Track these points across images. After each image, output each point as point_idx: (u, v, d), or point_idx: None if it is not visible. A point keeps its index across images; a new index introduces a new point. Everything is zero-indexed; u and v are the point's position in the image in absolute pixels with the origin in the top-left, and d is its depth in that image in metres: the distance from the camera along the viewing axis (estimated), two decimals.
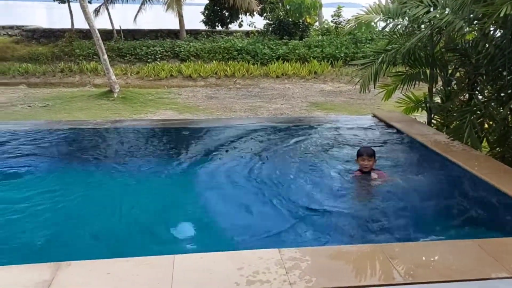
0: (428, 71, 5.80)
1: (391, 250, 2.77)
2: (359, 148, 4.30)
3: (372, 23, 6.47)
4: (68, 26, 18.45)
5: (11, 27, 19.75)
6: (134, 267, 2.54)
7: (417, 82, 6.01)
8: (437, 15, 4.99)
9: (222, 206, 3.72)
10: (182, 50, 16.36)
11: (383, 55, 5.42)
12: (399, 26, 5.73)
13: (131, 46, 16.47)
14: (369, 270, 2.62)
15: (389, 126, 5.85)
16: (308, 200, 3.65)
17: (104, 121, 6.37)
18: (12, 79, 14.45)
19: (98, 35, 11.75)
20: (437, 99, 6.04)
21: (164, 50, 16.35)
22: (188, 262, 2.59)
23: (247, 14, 19.23)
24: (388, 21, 5.82)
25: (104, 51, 11.90)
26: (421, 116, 6.90)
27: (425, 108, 6.21)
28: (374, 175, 3.93)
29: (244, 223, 3.37)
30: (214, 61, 15.63)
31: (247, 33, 19.03)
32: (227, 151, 4.93)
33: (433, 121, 6.05)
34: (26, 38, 18.29)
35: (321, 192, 3.84)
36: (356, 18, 6.07)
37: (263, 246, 2.95)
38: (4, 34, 19.28)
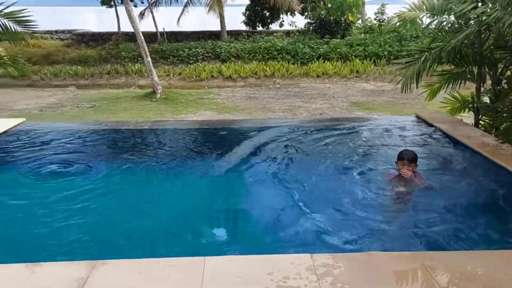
0: (475, 70, 5.51)
1: (431, 259, 2.64)
2: (400, 150, 4.13)
3: (418, 20, 6.22)
4: (116, 29, 19.14)
5: (63, 32, 20.78)
6: (166, 267, 2.57)
7: (464, 81, 5.72)
8: (487, 10, 4.72)
9: (255, 207, 3.69)
10: (223, 51, 16.54)
11: (426, 53, 5.20)
12: (444, 23, 5.48)
13: (173, 48, 16.85)
14: (406, 280, 2.51)
15: (433, 127, 5.61)
16: (343, 203, 3.55)
17: (144, 122, 6.54)
18: (63, 81, 15.18)
19: (142, 37, 12.10)
20: (486, 99, 5.73)
21: (205, 51, 16.59)
22: (218, 265, 2.59)
23: (288, 13, 19.13)
24: (433, 18, 5.58)
25: (148, 53, 12.24)
26: (469, 116, 6.57)
27: (472, 109, 5.91)
28: (408, 172, 3.72)
29: (276, 226, 3.33)
30: (254, 61, 15.69)
31: (287, 33, 18.95)
32: (260, 151, 4.89)
33: (481, 122, 5.75)
34: (76, 41, 19.16)
35: (356, 195, 3.71)
36: (398, 15, 5.87)
37: (295, 251, 2.91)
38: (56, 38, 20.31)
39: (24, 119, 5.97)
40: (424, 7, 5.62)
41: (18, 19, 5.35)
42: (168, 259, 2.67)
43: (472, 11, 4.85)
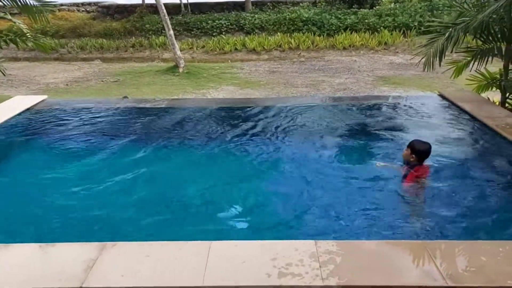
0: (504, 46, 5.23)
1: (436, 248, 2.61)
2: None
3: None
4: (140, 1, 19.07)
5: (89, 4, 20.84)
6: (172, 251, 2.64)
7: (491, 58, 5.44)
8: None
9: (264, 190, 3.72)
10: (247, 22, 16.27)
11: (450, 29, 4.96)
12: None
13: (197, 20, 16.69)
14: (409, 270, 2.48)
15: (455, 106, 5.42)
16: (351, 189, 3.52)
17: (162, 100, 6.58)
18: (89, 54, 15.40)
19: (164, 10, 12.03)
20: None
21: (229, 23, 16.37)
22: (224, 250, 2.64)
23: None
24: None
25: (170, 26, 12.18)
26: (498, 94, 6.27)
27: (499, 87, 5.65)
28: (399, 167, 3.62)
29: (285, 211, 3.34)
30: (278, 33, 15.38)
31: (314, 3, 18.41)
32: (269, 132, 4.86)
33: (508, 101, 5.51)
34: (102, 14, 19.23)
35: (364, 181, 3.67)
36: None
37: (301, 236, 2.93)
38: (83, 11, 20.43)
39: (46, 96, 6.11)
40: None
41: None
42: (176, 243, 2.74)
43: None
